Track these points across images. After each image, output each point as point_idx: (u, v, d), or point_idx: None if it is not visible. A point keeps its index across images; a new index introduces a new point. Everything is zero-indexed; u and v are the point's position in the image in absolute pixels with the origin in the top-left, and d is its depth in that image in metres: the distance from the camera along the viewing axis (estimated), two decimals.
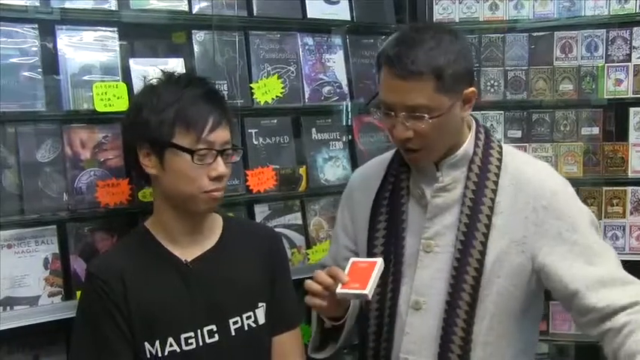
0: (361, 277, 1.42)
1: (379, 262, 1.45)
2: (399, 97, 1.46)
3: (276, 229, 2.15)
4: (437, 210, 1.57)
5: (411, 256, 1.59)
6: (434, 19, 2.55)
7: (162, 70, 1.59)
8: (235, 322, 1.58)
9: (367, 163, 1.86)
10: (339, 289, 1.43)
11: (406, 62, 1.43)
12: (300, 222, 2.27)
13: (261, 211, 2.20)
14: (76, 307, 1.58)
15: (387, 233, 1.63)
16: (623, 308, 1.41)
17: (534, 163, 1.65)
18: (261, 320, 1.62)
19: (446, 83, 1.44)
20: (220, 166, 1.51)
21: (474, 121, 1.63)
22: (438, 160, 1.57)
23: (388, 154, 1.75)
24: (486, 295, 1.53)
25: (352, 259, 1.49)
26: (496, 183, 1.55)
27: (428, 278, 1.56)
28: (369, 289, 1.40)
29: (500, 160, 1.58)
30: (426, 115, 1.45)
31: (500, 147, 1.62)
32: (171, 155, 1.49)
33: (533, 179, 1.56)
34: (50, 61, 1.81)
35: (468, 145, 1.58)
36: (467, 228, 1.53)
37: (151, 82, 1.57)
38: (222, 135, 1.52)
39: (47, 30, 1.81)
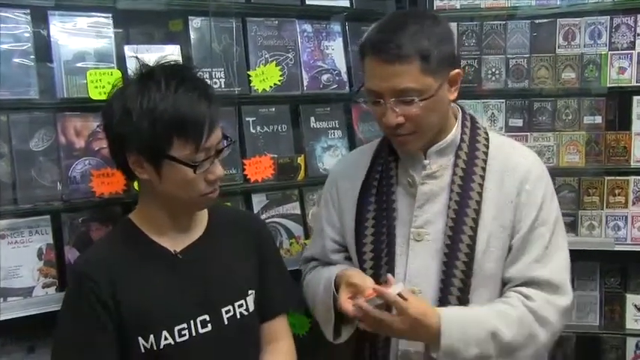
0: None
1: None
2: (386, 82, 1.48)
3: (274, 219, 2.15)
4: (425, 197, 1.59)
5: (402, 245, 1.60)
6: (434, 7, 2.51)
7: (139, 62, 1.49)
8: (228, 311, 1.56)
9: (348, 154, 1.90)
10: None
11: (391, 46, 1.45)
12: (298, 212, 2.25)
13: (258, 201, 2.17)
14: None
15: (376, 223, 1.64)
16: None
17: (521, 149, 1.68)
18: (252, 307, 1.61)
19: (431, 64, 1.46)
20: (218, 169, 1.49)
21: (459, 110, 1.66)
22: (426, 148, 1.59)
23: (370, 145, 1.76)
24: (480, 280, 1.54)
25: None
26: (484, 169, 1.58)
27: (421, 267, 1.58)
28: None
29: (487, 146, 1.62)
30: (415, 99, 1.47)
31: (487, 133, 1.65)
32: (169, 166, 1.42)
33: (520, 165, 1.59)
34: (43, 48, 1.77)
35: (455, 132, 1.61)
36: (456, 214, 1.55)
37: (134, 78, 1.48)
38: (217, 135, 1.47)
39: (40, 16, 1.77)
